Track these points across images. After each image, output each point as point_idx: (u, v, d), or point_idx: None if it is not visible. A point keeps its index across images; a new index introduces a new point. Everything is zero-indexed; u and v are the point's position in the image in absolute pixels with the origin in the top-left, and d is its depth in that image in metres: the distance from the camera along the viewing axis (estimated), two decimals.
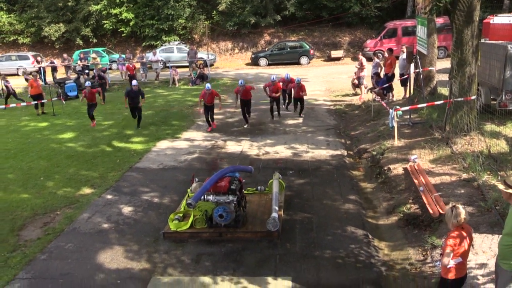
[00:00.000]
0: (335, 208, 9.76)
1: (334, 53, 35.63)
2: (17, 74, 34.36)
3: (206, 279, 7.35)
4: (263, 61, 35.19)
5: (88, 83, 18.97)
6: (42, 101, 21.48)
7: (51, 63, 32.34)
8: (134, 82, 18.25)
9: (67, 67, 31.28)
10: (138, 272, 7.75)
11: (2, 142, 16.61)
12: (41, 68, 31.12)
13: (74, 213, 10.15)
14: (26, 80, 24.12)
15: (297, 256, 7.93)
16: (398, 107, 12.85)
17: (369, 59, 22.76)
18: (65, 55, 32.76)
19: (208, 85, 16.54)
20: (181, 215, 9.20)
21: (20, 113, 22.16)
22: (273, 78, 17.45)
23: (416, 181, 9.67)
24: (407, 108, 13.66)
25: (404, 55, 17.72)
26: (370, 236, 8.61)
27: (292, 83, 17.98)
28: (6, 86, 23.88)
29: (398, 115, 12.67)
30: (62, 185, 11.85)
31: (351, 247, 8.14)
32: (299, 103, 18.17)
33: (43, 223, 9.78)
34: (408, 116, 14.32)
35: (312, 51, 35.03)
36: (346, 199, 10.15)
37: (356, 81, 21.07)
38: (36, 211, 10.35)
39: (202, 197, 8.67)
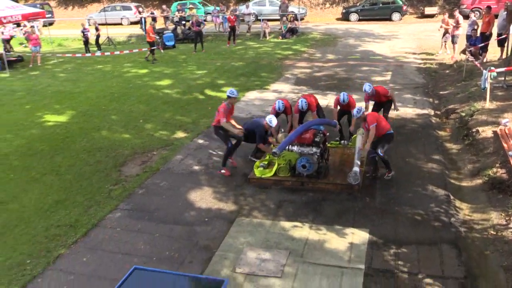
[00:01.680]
0: (417, 167, 9.55)
1: (428, 10, 33.78)
2: (121, 24, 35.88)
3: (287, 224, 7.57)
4: (353, 16, 34.09)
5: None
6: (152, 48, 22.37)
7: (151, 13, 33.38)
8: None
9: (166, 18, 32.16)
10: (225, 212, 8.12)
11: (107, 86, 17.63)
12: (142, 18, 32.19)
13: (168, 154, 10.72)
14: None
15: (375, 210, 7.93)
16: (492, 68, 12.12)
17: (466, 17, 21.31)
18: (164, 6, 33.68)
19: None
20: (266, 162, 9.43)
21: (123, 60, 23.25)
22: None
23: (505, 145, 9.20)
24: (502, 69, 12.83)
25: (504, 14, 16.46)
26: (452, 197, 8.38)
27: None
28: (84, 34, 25.33)
29: (492, 76, 11.97)
30: (158, 128, 12.50)
31: (431, 206, 7.98)
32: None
33: (142, 161, 10.43)
34: (503, 78, 13.46)
35: (404, 7, 33.36)
36: (430, 159, 9.88)
37: (445, 39, 20.04)
38: (136, 150, 11.03)
39: (287, 147, 8.83)
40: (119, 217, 8.12)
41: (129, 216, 8.16)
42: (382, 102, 10.94)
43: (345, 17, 34.60)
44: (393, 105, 10.93)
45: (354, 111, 8.96)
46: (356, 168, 8.48)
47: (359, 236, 7.18)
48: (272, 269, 6.47)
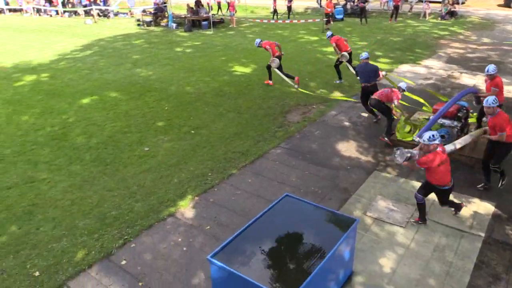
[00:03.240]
0: None
1: None
2: None
3: (417, 184, 7.15)
4: None
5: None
6: (327, 19, 22.13)
7: None
8: None
9: None
10: (364, 164, 7.95)
11: (284, 48, 17.87)
12: None
13: (325, 109, 10.69)
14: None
15: (506, 186, 7.07)
16: None
17: None
18: None
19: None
20: (409, 127, 8.88)
21: (299, 28, 23.32)
22: None
23: None
24: None
25: None
26: None
27: None
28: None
29: None
30: (320, 87, 12.46)
31: None
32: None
33: (302, 112, 10.58)
34: None
35: None
36: None
37: None
38: (299, 102, 11.20)
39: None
40: (279, 153, 8.44)
41: (287, 153, 8.43)
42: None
43: (507, 4, 30.03)
44: None
45: (489, 100, 6.35)
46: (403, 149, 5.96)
47: (485, 207, 6.52)
48: (398, 219, 6.25)
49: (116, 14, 32.08)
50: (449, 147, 6.61)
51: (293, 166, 7.90)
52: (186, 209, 6.66)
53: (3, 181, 7.75)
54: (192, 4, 25.96)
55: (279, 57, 12.18)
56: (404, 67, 14.62)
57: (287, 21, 24.49)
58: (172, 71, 14.62)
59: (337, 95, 11.75)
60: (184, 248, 5.78)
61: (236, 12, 25.63)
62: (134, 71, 14.89)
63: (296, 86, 12.18)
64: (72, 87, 13.35)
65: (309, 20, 23.69)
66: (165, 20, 25.95)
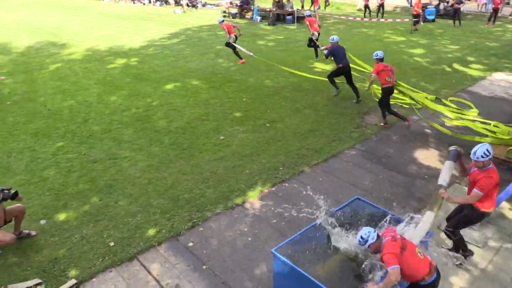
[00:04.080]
0: None
1: None
2: None
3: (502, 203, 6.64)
4: None
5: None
6: (415, 19, 21.17)
7: None
8: None
9: None
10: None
11: (368, 47, 17.42)
12: None
13: (406, 113, 10.20)
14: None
15: None
16: None
17: None
18: None
19: None
20: None
21: (386, 27, 22.53)
22: None
23: None
24: None
25: None
26: None
27: None
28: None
29: None
30: None
31: None
32: None
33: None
34: None
35: None
36: None
37: None
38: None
39: None
40: (354, 155, 8.25)
41: (362, 155, 8.21)
42: None
43: None
44: None
45: (478, 151, 4.82)
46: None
47: None
48: (475, 237, 5.85)
49: (204, 5, 33.15)
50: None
51: (367, 169, 7.69)
52: (254, 200, 6.76)
53: (91, 155, 8.40)
54: None
55: (236, 37, 15.02)
56: (499, 76, 13.56)
57: (374, 20, 23.75)
58: (253, 63, 14.83)
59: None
60: (249, 238, 5.87)
61: (319, 8, 25.33)
62: (217, 61, 15.32)
63: (251, 53, 14.73)
64: (158, 72, 14.06)
65: (397, 20, 22.77)
66: (250, 13, 26.34)
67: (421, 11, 22.36)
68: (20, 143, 9.07)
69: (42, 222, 6.34)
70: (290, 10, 24.62)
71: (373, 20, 23.85)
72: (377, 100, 9.81)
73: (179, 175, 7.52)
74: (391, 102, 9.54)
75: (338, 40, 10.95)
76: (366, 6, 25.24)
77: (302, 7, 28.26)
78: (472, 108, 10.39)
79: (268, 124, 9.64)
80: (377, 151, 8.37)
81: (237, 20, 25.79)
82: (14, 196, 5.68)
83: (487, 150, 4.79)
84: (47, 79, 13.80)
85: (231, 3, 28.97)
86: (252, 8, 26.29)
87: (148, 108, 10.79)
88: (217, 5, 32.53)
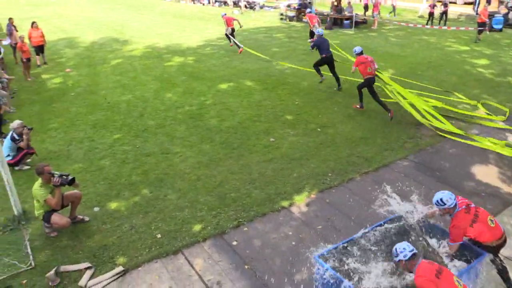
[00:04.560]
0: None
1: None
2: (455, 2, 32.94)
3: None
4: None
5: None
6: (480, 28, 20.23)
7: None
8: None
9: (500, 2, 28.03)
10: (504, 194, 7.10)
11: (428, 55, 16.84)
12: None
13: (466, 126, 9.77)
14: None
15: None
16: None
17: None
18: None
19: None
20: None
21: (448, 35, 21.66)
22: None
23: None
24: None
25: None
26: None
27: None
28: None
29: None
30: (463, 101, 11.42)
31: None
32: None
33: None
34: None
35: None
36: None
37: None
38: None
39: None
40: (406, 166, 7.99)
41: (415, 167, 7.94)
42: None
43: None
44: None
45: (436, 197, 4.76)
46: None
47: None
48: None
49: (261, 7, 33.42)
50: None
51: (419, 181, 7.42)
52: (301, 204, 6.72)
53: (144, 148, 8.70)
54: (337, 2, 25.79)
55: (233, 29, 17.35)
56: None
57: (436, 27, 22.90)
58: (307, 66, 14.75)
59: (480, 113, 10.66)
60: (293, 243, 5.84)
61: (379, 13, 24.76)
62: (271, 63, 15.38)
63: (242, 46, 16.63)
64: (213, 72, 14.33)
65: (461, 28, 21.85)
66: None
67: (487, 19, 21.30)
68: (81, 133, 9.56)
69: (96, 209, 6.64)
70: (348, 14, 24.27)
71: (434, 27, 23.00)
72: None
73: (228, 174, 7.61)
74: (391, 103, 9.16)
75: (322, 33, 12.44)
76: (431, 14, 24.35)
77: (366, 11, 27.63)
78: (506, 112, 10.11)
79: (319, 129, 9.55)
80: (432, 164, 8.05)
81: (294, 23, 25.77)
82: (71, 183, 5.99)
83: (442, 199, 4.54)
84: (108, 74, 14.46)
85: (288, 6, 28.98)
86: None
87: (201, 107, 11.01)
88: (275, 8, 32.67)
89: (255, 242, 5.87)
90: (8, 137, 7.91)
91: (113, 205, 6.75)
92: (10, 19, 16.73)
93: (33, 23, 15.63)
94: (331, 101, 11.33)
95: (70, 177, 5.96)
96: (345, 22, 24.01)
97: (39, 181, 5.89)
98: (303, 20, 26.23)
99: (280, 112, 10.59)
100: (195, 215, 6.44)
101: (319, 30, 12.72)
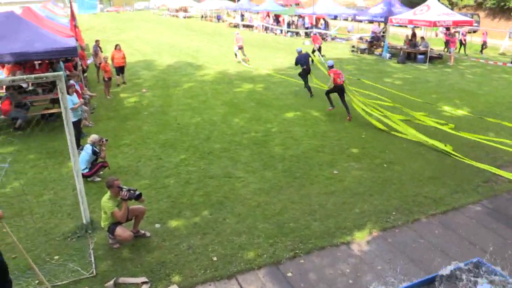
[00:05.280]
0: None
1: None
2: None
3: None
4: None
5: None
6: None
7: None
8: None
9: None
10: None
11: (505, 95, 15.85)
12: None
13: None
14: None
15: None
16: None
17: None
18: None
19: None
20: None
21: None
22: None
23: None
24: None
25: None
26: None
27: None
28: None
29: None
30: None
31: None
32: None
33: None
34: None
35: None
36: None
37: None
38: None
39: None
40: (479, 211, 7.46)
41: (488, 214, 7.38)
42: None
43: None
44: None
45: None
46: None
47: None
48: None
49: (333, 39, 33.55)
50: None
51: (492, 229, 6.88)
52: (361, 241, 6.48)
53: (208, 170, 8.90)
54: (411, 36, 25.27)
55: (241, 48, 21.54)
56: None
57: None
58: (376, 100, 14.47)
59: None
60: (350, 281, 5.62)
61: (455, 48, 23.87)
62: None
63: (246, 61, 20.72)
64: (280, 100, 14.50)
65: None
66: (379, 49, 25.91)
67: None
68: (150, 150, 10.01)
69: (157, 225, 6.85)
70: (422, 49, 23.64)
71: None
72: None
73: (288, 203, 7.56)
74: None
75: (301, 50, 15.73)
76: None
77: (446, 47, 26.62)
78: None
79: (385, 165, 9.25)
80: (508, 211, 7.45)
81: (365, 55, 25.54)
82: (138, 197, 6.24)
83: None
84: (180, 96, 15.12)
85: (361, 38, 28.83)
86: (382, 45, 25.84)
87: (266, 134, 11.13)
88: (347, 40, 32.65)
89: (310, 275, 5.72)
90: (89, 150, 8.43)
91: (174, 223, 6.93)
92: (96, 40, 18.19)
93: (116, 45, 16.85)
94: (400, 136, 10.95)
95: (137, 192, 6.22)
96: (419, 56, 23.37)
97: (108, 193, 6.20)
98: (375, 53, 25.94)
99: (346, 144, 10.42)
100: (252, 242, 6.43)
101: (299, 48, 15.96)
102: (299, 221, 6.98)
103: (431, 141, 10.36)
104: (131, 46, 28.19)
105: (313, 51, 20.96)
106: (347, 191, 8.00)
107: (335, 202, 7.61)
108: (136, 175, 8.72)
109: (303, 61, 15.20)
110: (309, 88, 15.25)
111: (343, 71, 19.99)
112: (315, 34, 20.13)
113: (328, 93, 13.03)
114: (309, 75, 15.48)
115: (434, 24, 21.69)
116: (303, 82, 15.38)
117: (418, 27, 25.74)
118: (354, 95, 13.10)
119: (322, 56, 21.33)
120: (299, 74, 15.60)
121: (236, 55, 21.99)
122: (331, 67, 12.91)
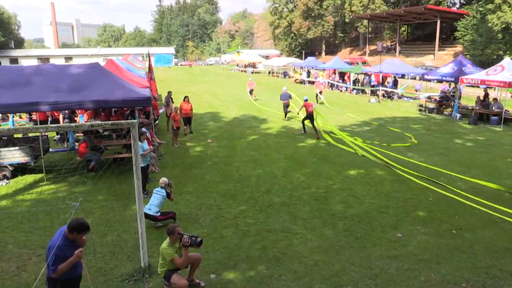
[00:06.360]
0: None
1: None
2: None
3: None
4: None
5: None
6: None
7: None
8: None
9: None
10: None
11: None
12: None
13: None
14: None
15: None
16: None
17: None
18: None
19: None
20: None
21: None
22: None
23: None
24: None
25: None
26: None
27: None
28: None
29: None
30: None
31: None
32: None
33: None
34: None
35: None
36: None
37: None
38: None
39: None
40: None
41: None
42: None
43: None
44: None
45: None
46: None
47: None
48: None
49: (400, 97, 33.06)
50: None
51: None
52: None
53: (267, 224, 8.83)
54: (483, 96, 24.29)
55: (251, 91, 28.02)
56: None
57: None
58: (445, 161, 13.86)
59: None
60: None
61: None
62: (406, 154, 14.80)
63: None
64: (343, 157, 14.31)
65: None
66: (449, 109, 25.10)
67: None
68: (211, 200, 10.17)
69: (212, 276, 6.80)
70: (496, 110, 22.57)
71: None
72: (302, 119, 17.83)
73: (347, 264, 7.23)
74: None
75: (286, 88, 22.39)
76: None
77: None
78: None
79: (454, 231, 8.65)
80: None
81: (433, 115, 24.82)
82: (200, 244, 6.24)
83: None
84: (244, 148, 15.44)
85: (429, 97, 28.18)
86: (452, 105, 25.03)
87: (327, 190, 10.94)
88: (414, 98, 32.04)
89: None
90: (163, 193, 8.73)
91: (229, 275, 6.85)
92: (169, 92, 19.36)
93: (185, 97, 17.80)
94: (472, 201, 10.26)
95: (199, 239, 6.24)
96: (493, 118, 22.29)
97: (167, 240, 6.30)
98: (444, 113, 25.15)
99: (411, 206, 9.94)
100: None
101: (284, 88, 22.73)
102: (358, 284, 6.62)
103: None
104: (199, 98, 29.62)
105: (317, 96, 28.47)
106: (411, 257, 7.53)
107: (398, 267, 7.16)
108: (196, 223, 8.83)
109: (283, 97, 21.75)
110: (286, 113, 21.69)
111: (408, 130, 19.63)
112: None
113: (303, 120, 17.94)
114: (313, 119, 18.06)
115: (509, 85, 20.78)
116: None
117: (491, 87, 24.82)
118: (345, 137, 16.61)
119: (319, 102, 28.00)
120: (283, 107, 21.73)
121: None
122: (305, 100, 17.85)
